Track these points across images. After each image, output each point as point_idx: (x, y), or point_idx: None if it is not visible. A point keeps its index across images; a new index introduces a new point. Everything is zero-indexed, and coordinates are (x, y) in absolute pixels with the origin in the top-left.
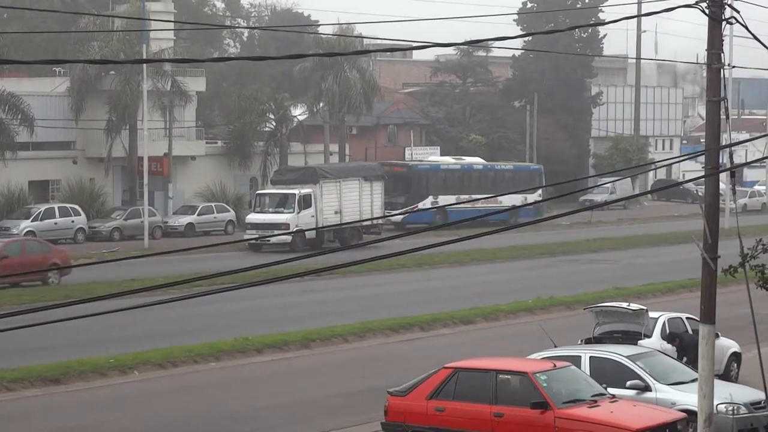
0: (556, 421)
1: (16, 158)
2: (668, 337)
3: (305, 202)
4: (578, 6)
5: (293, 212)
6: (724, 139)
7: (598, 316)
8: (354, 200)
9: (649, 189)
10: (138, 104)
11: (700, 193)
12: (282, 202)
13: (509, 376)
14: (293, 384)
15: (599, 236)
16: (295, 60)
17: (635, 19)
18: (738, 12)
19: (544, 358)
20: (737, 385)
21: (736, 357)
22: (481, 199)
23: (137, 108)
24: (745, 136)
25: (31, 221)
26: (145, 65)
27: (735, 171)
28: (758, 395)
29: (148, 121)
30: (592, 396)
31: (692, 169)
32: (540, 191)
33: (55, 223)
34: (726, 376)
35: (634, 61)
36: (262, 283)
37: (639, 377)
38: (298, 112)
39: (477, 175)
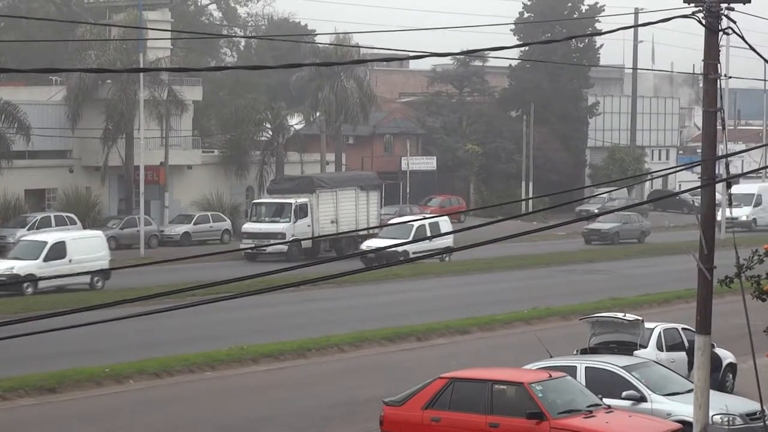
0: (551, 431)
1: (13, 167)
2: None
3: (301, 211)
4: (575, 16)
5: (289, 222)
6: (721, 149)
7: (593, 327)
8: (350, 210)
9: (645, 199)
10: (134, 113)
11: (696, 204)
12: (278, 212)
13: (505, 387)
14: (289, 393)
15: (595, 246)
16: (292, 69)
17: (632, 29)
18: (734, 22)
19: (539, 368)
20: (733, 396)
21: (731, 368)
22: None
23: (134, 117)
24: (741, 146)
25: (27, 230)
26: (141, 74)
27: (731, 182)
28: (754, 406)
29: (145, 130)
30: (588, 406)
31: (688, 179)
32: None
33: None
34: (722, 386)
35: (631, 71)
36: (258, 293)
37: (635, 388)
38: (295, 122)
39: None
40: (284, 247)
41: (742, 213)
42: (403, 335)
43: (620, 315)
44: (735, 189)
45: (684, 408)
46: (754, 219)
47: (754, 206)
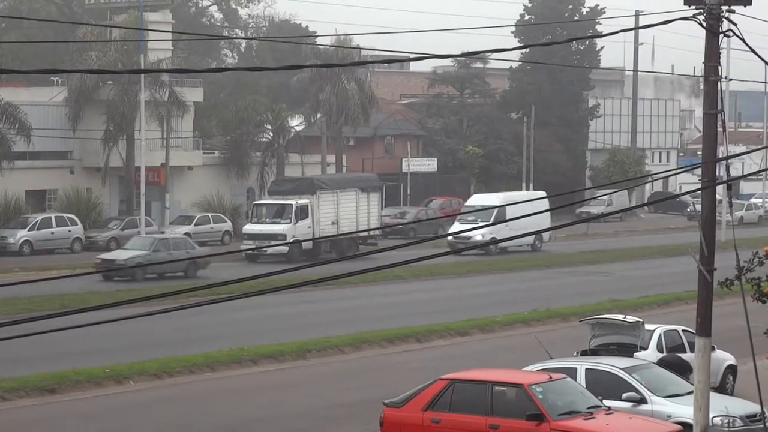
0: None
1: (14, 167)
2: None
3: (302, 212)
4: (576, 18)
5: (290, 223)
6: (721, 151)
7: (594, 328)
8: (351, 211)
9: (645, 201)
10: (135, 114)
11: (696, 206)
12: (279, 213)
13: (505, 388)
14: (289, 395)
15: (595, 248)
16: (293, 71)
17: (632, 31)
18: (735, 25)
19: (540, 369)
20: (733, 398)
21: (731, 370)
22: None
23: (134, 118)
24: (741, 148)
25: (28, 231)
26: (142, 75)
27: (732, 184)
28: (754, 408)
29: (146, 131)
30: (588, 408)
31: (689, 181)
32: None
33: (52, 233)
34: (722, 388)
35: (631, 73)
36: (259, 294)
37: (635, 389)
38: (296, 123)
39: None
40: (285, 249)
41: (478, 232)
42: (403, 336)
43: (620, 317)
44: (472, 200)
45: (684, 410)
46: (494, 238)
47: (495, 223)
